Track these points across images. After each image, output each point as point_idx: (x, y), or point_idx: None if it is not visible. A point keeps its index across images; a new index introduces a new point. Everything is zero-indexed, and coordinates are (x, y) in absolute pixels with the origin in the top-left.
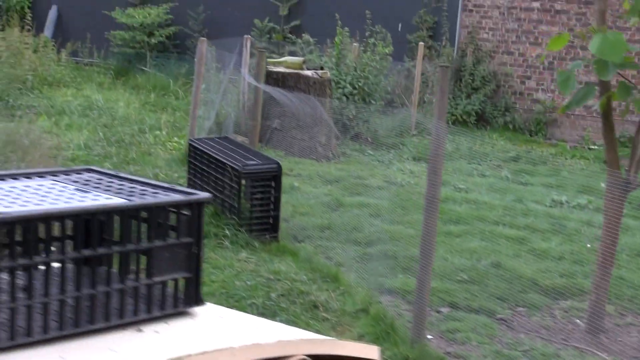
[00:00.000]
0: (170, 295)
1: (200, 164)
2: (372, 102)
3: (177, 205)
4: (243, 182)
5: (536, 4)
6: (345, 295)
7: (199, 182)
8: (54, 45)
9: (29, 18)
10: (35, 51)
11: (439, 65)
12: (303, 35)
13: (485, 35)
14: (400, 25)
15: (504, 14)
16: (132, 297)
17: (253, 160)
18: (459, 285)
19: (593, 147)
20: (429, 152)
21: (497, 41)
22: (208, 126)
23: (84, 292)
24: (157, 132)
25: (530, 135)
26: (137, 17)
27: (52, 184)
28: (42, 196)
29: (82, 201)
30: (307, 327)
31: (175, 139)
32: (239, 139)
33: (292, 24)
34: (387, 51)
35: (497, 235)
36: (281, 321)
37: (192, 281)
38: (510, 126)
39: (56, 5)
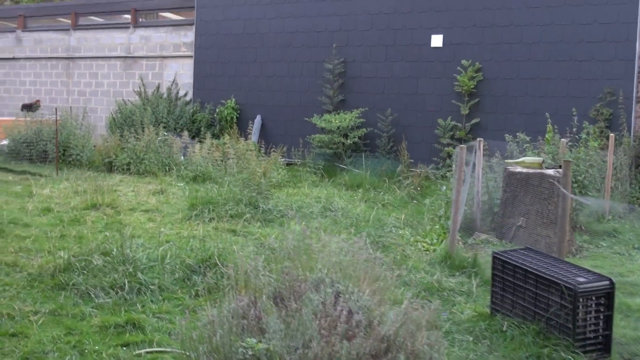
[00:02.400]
0: None
1: (511, 278)
2: (588, 193)
3: None
4: (578, 301)
5: None
6: None
7: (510, 297)
8: (260, 149)
9: (251, 127)
10: (257, 156)
11: None
12: (517, 134)
13: None
14: (576, 118)
15: None
16: None
17: (583, 277)
18: None
19: None
20: None
21: None
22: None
23: None
24: (400, 232)
25: None
26: (333, 122)
27: None
28: None
29: None
30: None
31: (419, 237)
32: (483, 236)
33: (473, 121)
34: (596, 144)
35: None
36: None
37: None
38: None
39: (260, 114)
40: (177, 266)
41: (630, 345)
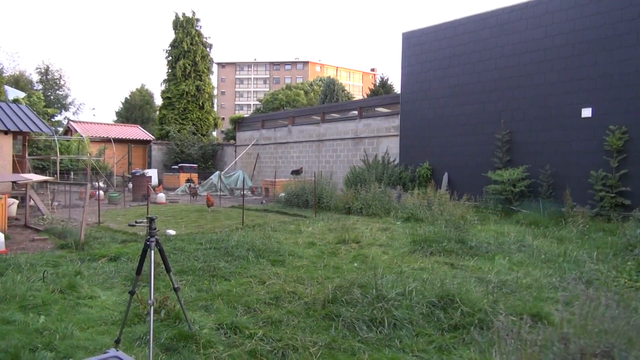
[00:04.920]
0: None
1: None
2: None
3: None
4: None
5: None
6: None
7: None
8: (449, 195)
9: (441, 181)
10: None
11: None
12: None
13: None
14: None
15: None
16: None
17: None
18: None
19: None
20: None
21: None
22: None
23: None
24: (594, 266)
25: None
26: (504, 175)
27: None
28: None
29: None
30: None
31: (615, 272)
32: None
33: (621, 172)
34: None
35: None
36: None
37: None
38: None
39: (447, 172)
40: (420, 301)
41: None
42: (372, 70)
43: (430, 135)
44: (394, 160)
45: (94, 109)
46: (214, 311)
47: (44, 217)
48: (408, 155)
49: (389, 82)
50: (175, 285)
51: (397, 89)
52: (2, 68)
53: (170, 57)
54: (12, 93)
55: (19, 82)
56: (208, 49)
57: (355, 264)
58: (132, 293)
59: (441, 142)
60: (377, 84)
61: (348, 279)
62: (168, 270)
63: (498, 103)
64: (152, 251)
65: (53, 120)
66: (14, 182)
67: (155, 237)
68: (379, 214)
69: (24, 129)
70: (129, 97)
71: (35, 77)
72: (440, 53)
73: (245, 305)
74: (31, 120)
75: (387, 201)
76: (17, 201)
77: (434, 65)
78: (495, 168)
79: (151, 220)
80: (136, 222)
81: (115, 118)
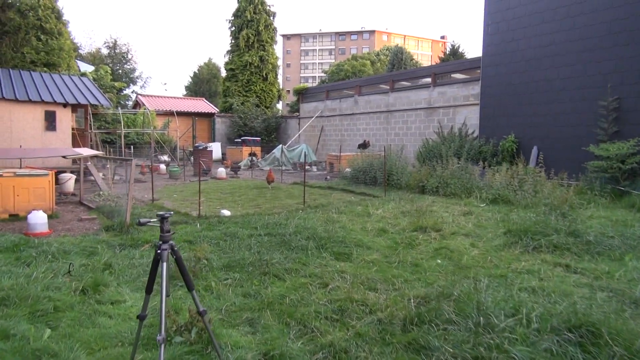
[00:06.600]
0: None
1: None
2: None
3: None
4: None
5: None
6: None
7: None
8: (539, 173)
9: (528, 156)
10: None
11: None
12: None
13: None
14: None
15: None
16: None
17: None
18: None
19: None
20: None
21: None
22: None
23: None
24: None
25: None
26: (611, 150)
27: None
28: None
29: None
30: None
31: None
32: None
33: None
34: None
35: None
36: None
37: None
38: None
39: (536, 145)
40: (542, 331)
41: None
42: (442, 37)
43: (516, 103)
44: (472, 133)
45: (165, 83)
46: (261, 329)
47: (101, 193)
48: (489, 127)
49: (460, 50)
50: (201, 309)
51: (469, 56)
52: (79, 45)
53: (234, 27)
54: (83, 67)
55: (95, 58)
56: (271, 18)
57: (438, 260)
58: (141, 318)
59: (529, 111)
60: (448, 52)
61: (435, 288)
62: (190, 287)
63: (603, 64)
64: (165, 264)
65: (121, 94)
66: (71, 157)
67: (170, 242)
68: (459, 194)
69: (82, 101)
70: (197, 71)
71: (104, 52)
72: (530, 7)
73: (301, 320)
74: (90, 92)
75: (468, 179)
76: (74, 176)
77: (522, 22)
78: (598, 141)
79: (163, 220)
80: (140, 221)
81: (185, 92)
